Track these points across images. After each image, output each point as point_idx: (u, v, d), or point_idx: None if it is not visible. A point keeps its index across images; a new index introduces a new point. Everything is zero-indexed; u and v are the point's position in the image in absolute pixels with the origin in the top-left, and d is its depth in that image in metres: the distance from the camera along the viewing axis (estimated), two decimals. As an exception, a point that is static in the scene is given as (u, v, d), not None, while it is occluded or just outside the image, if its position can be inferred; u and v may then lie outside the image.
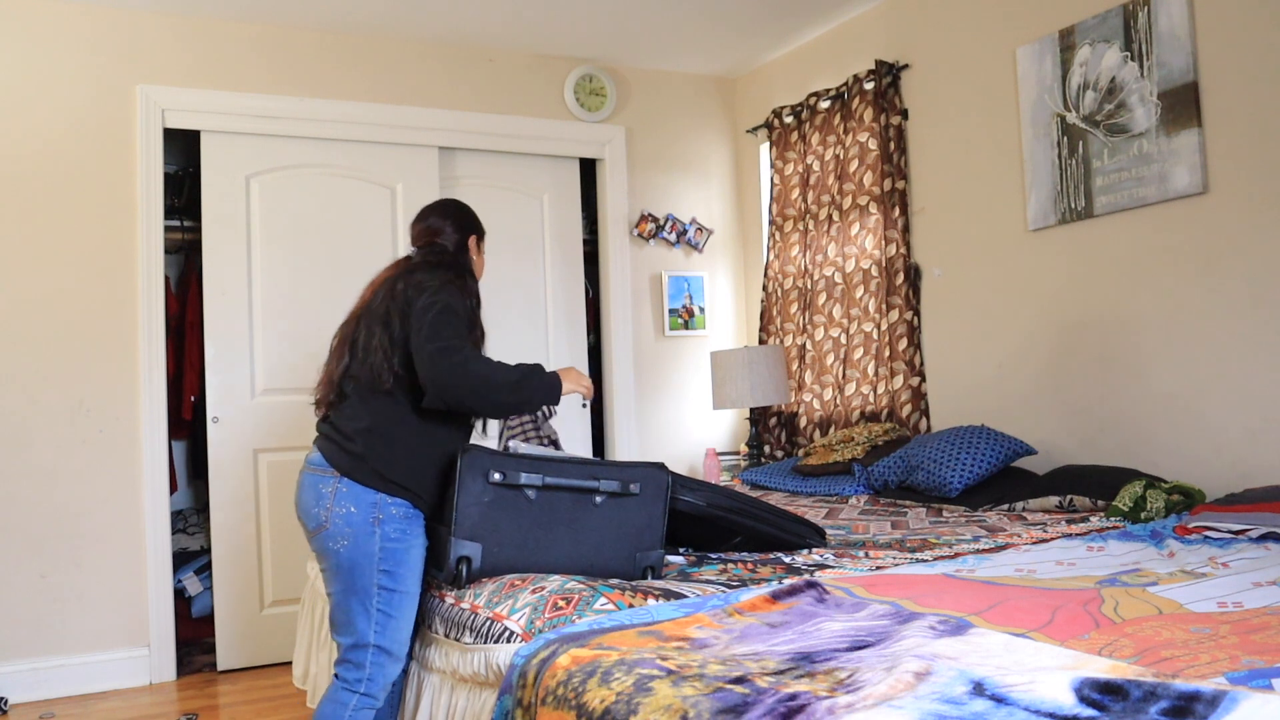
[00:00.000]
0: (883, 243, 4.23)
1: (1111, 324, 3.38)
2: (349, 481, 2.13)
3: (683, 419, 5.07)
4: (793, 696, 1.27)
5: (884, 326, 4.23)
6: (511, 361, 2.25)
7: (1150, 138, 3.21)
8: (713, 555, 2.47)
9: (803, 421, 4.69)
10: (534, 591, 1.98)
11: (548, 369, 2.27)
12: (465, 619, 2.04)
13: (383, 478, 2.14)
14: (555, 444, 3.23)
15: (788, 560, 2.36)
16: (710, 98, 5.24)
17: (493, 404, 2.17)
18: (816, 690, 1.30)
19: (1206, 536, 2.44)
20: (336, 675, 2.17)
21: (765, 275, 4.95)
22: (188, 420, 4.52)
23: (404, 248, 4.43)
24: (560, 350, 4.84)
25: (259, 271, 4.18)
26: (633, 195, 4.99)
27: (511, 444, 2.39)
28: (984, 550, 2.46)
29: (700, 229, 5.13)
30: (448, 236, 2.44)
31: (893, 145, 4.19)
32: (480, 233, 2.54)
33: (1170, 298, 3.20)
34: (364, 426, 2.16)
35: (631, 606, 1.90)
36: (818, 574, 2.17)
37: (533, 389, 2.22)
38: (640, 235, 4.99)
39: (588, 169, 5.07)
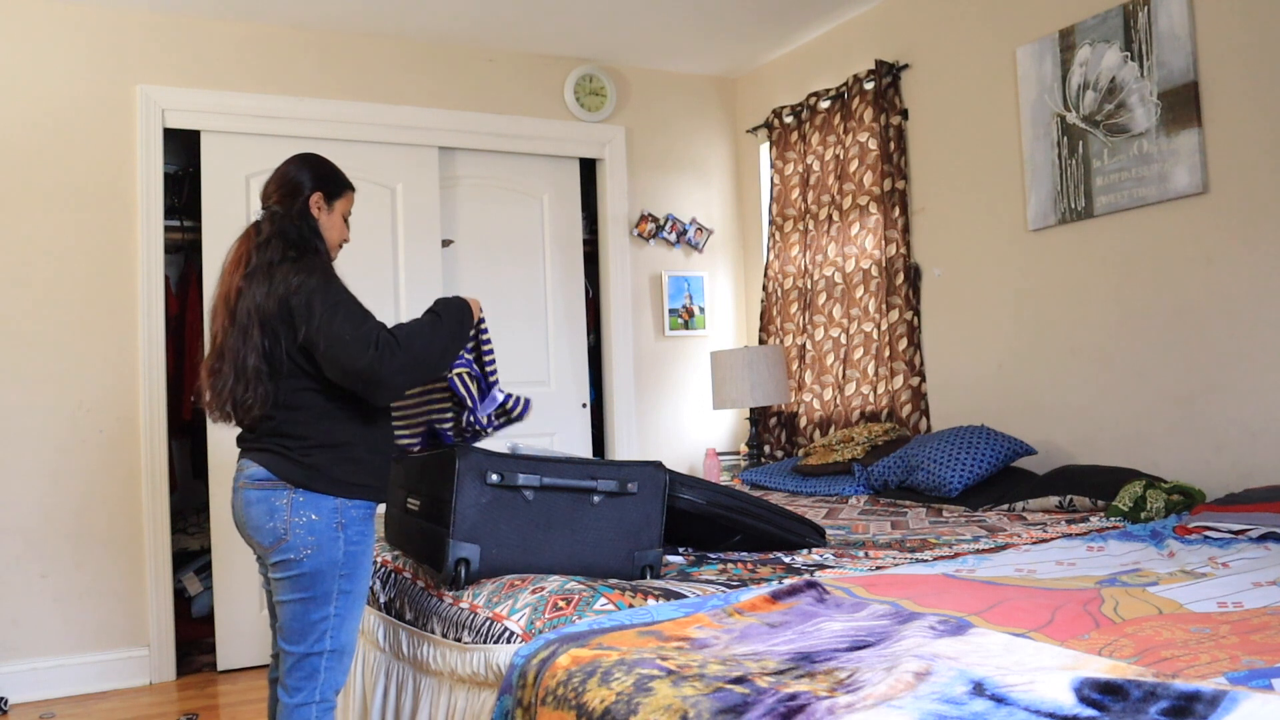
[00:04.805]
0: (883, 243, 4.23)
1: (1112, 324, 3.38)
2: (305, 491, 2.07)
3: (683, 419, 5.07)
4: (793, 696, 1.27)
5: (884, 326, 4.22)
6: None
7: (1150, 138, 3.21)
8: (712, 555, 2.47)
9: (803, 421, 4.69)
10: (534, 592, 1.98)
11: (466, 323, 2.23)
12: (465, 619, 2.04)
13: (343, 484, 2.10)
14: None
15: (787, 560, 2.36)
16: (710, 98, 5.24)
17: (440, 357, 2.14)
18: (816, 690, 1.30)
19: (1206, 536, 2.44)
20: (285, 688, 2.10)
21: (765, 275, 4.95)
22: (187, 420, 4.52)
23: (404, 248, 4.46)
24: (560, 350, 4.84)
25: (259, 271, 4.18)
26: (633, 195, 4.99)
27: (512, 445, 2.38)
28: (984, 550, 2.46)
29: (700, 229, 5.13)
30: (284, 202, 2.19)
31: (893, 145, 4.19)
32: (328, 189, 2.24)
33: (1170, 298, 3.19)
34: (316, 442, 2.09)
35: (631, 606, 1.89)
36: (818, 574, 2.17)
37: (450, 320, 2.18)
38: (640, 235, 4.99)
39: (588, 169, 5.07)
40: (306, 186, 2.22)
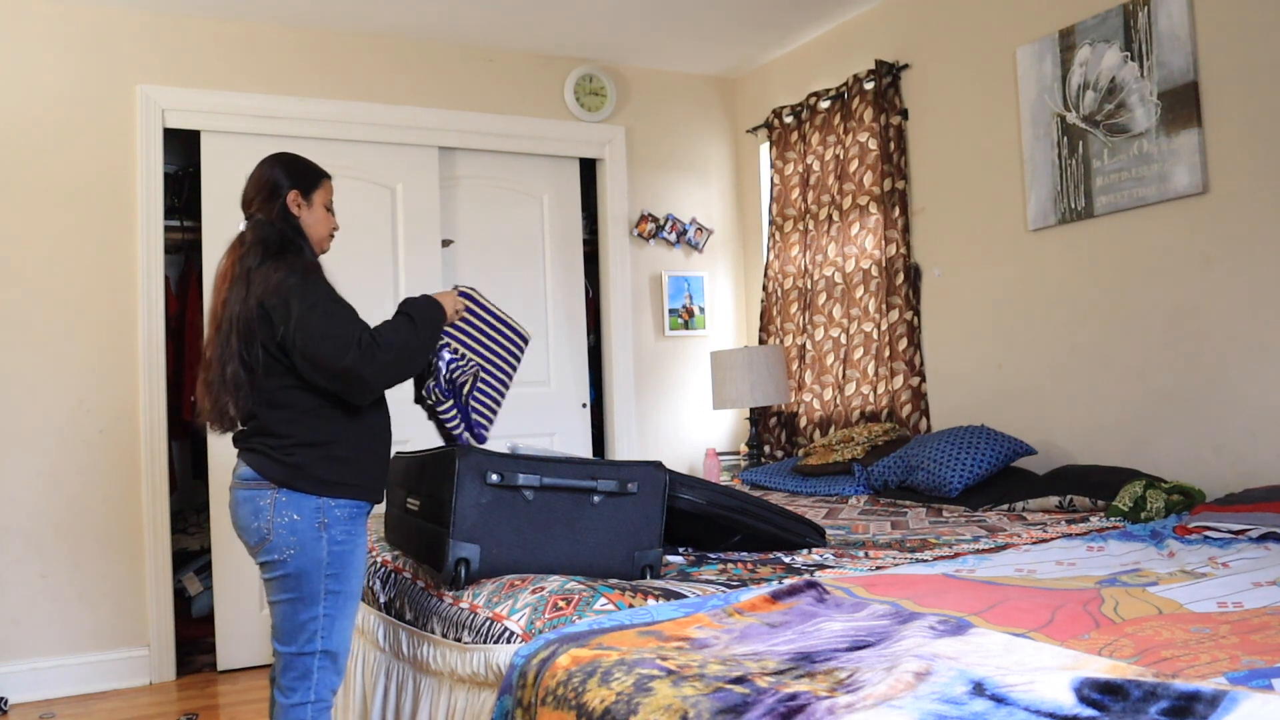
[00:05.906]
0: (883, 243, 4.23)
1: (1111, 324, 3.38)
2: (288, 491, 2.07)
3: (683, 419, 5.07)
4: (793, 696, 1.27)
5: (884, 326, 4.22)
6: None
7: (1150, 138, 3.21)
8: (712, 555, 2.47)
9: (803, 421, 4.69)
10: (534, 592, 1.98)
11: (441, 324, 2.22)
12: (465, 619, 2.04)
13: (325, 482, 2.09)
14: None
15: (787, 560, 2.36)
16: (710, 98, 5.24)
17: (417, 358, 2.12)
18: (816, 690, 1.30)
19: (1206, 536, 2.44)
20: (280, 688, 2.11)
21: (765, 275, 4.95)
22: (187, 420, 4.52)
23: (404, 247, 4.46)
24: (560, 350, 4.84)
25: (259, 271, 4.18)
26: (633, 195, 4.99)
27: (512, 444, 2.38)
28: (984, 550, 2.46)
29: (700, 229, 5.13)
30: (264, 208, 2.20)
31: (893, 145, 4.19)
32: (303, 184, 2.22)
33: (1170, 298, 3.19)
34: (298, 440, 2.09)
35: (631, 606, 1.89)
36: (818, 574, 2.17)
37: (424, 324, 2.15)
38: (640, 235, 4.99)
39: (588, 169, 5.07)
40: (283, 186, 2.20)
